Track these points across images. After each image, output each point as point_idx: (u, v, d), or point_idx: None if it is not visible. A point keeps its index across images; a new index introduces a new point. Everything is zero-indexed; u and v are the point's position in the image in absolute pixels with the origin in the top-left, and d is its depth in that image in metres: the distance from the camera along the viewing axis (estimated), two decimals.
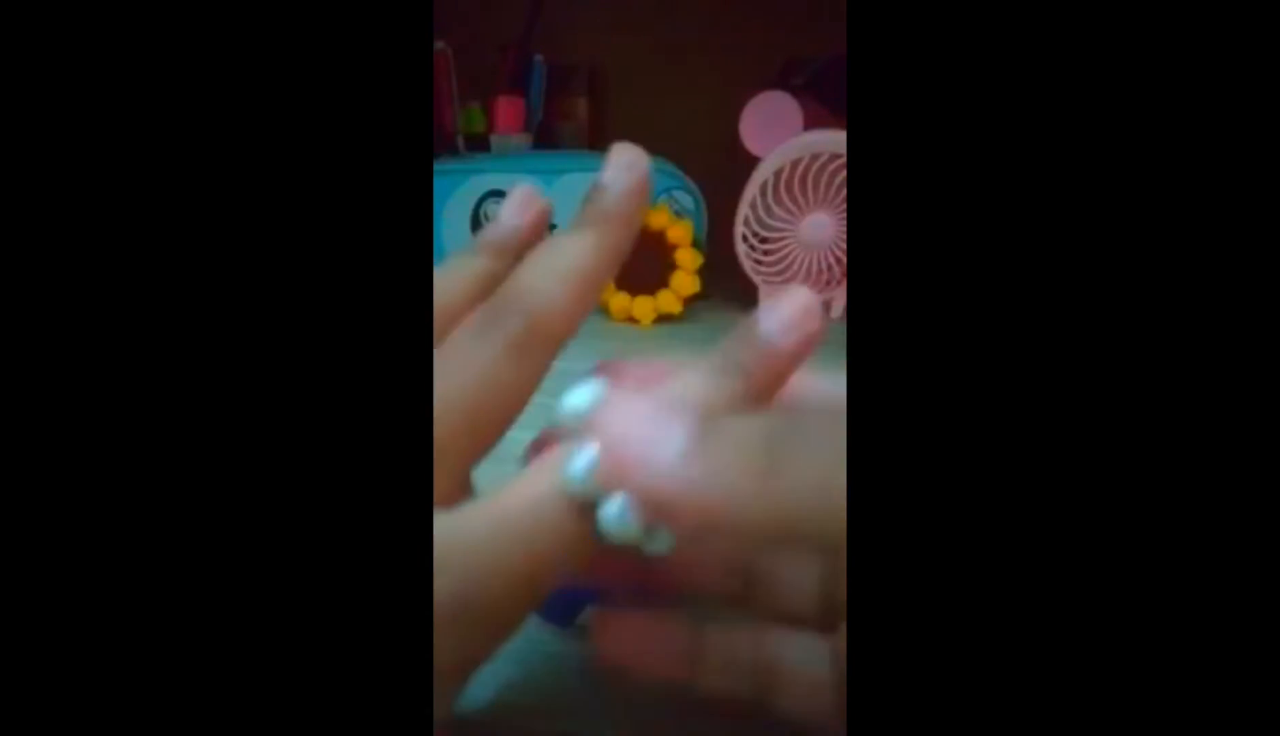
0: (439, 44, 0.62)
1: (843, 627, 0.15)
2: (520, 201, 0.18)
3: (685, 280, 0.53)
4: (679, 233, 0.53)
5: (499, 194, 0.57)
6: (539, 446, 0.17)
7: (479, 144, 0.66)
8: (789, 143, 0.50)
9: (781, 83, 0.57)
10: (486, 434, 0.13)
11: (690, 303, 0.55)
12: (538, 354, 0.13)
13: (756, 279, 0.55)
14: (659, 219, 0.53)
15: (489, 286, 0.16)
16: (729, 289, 0.57)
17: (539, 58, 0.67)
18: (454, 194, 0.57)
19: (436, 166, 0.57)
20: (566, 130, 0.71)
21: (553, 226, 0.18)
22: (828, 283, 0.55)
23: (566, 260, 0.15)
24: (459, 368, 0.13)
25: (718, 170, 0.55)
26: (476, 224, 0.58)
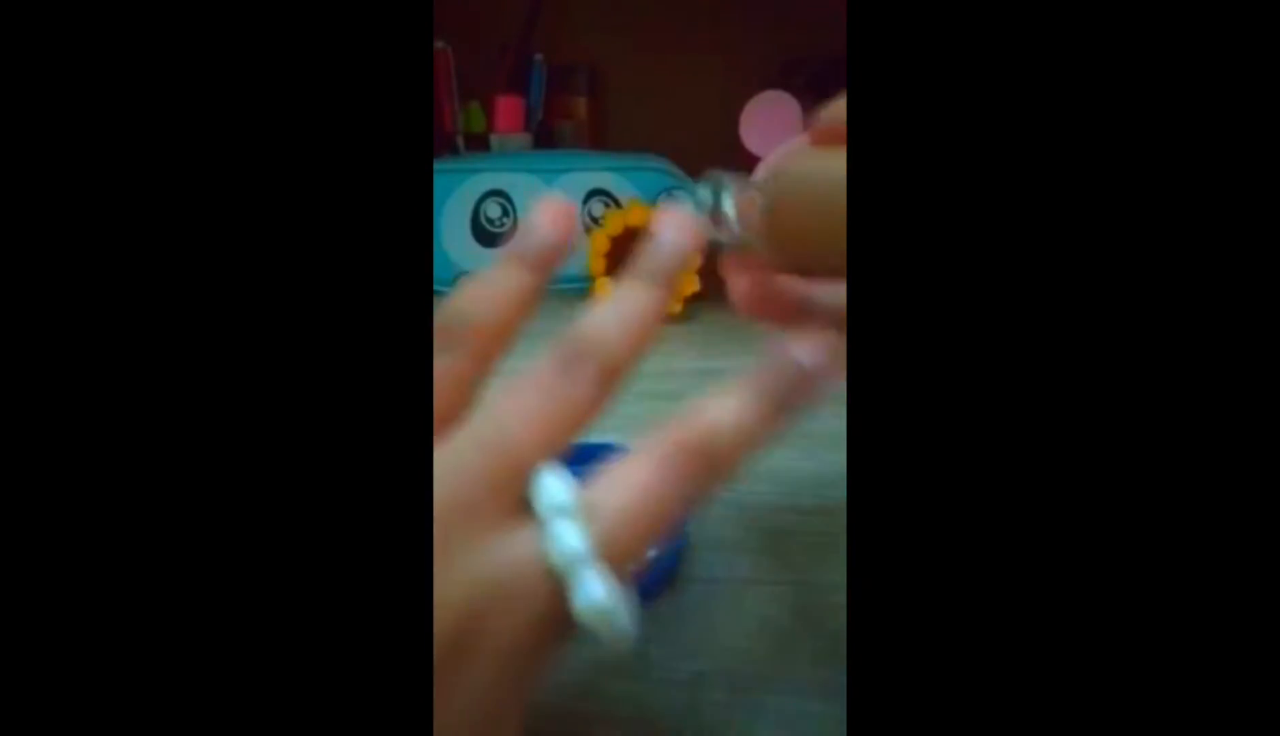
0: (439, 44, 0.62)
1: None
2: (554, 214, 0.19)
3: (685, 280, 0.53)
4: None
5: (499, 194, 0.57)
6: None
7: (479, 144, 0.66)
8: (789, 143, 0.50)
9: (781, 83, 0.57)
10: (556, 451, 0.15)
11: (690, 302, 0.55)
12: (606, 393, 0.16)
13: None
14: None
15: (529, 300, 0.18)
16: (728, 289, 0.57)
17: (539, 58, 0.67)
18: (454, 194, 0.57)
19: (436, 166, 0.57)
20: (566, 130, 0.71)
21: None
22: None
23: (634, 316, 0.17)
24: (543, 399, 0.16)
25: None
26: (476, 223, 0.58)
